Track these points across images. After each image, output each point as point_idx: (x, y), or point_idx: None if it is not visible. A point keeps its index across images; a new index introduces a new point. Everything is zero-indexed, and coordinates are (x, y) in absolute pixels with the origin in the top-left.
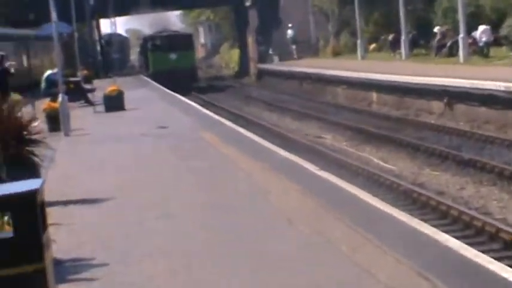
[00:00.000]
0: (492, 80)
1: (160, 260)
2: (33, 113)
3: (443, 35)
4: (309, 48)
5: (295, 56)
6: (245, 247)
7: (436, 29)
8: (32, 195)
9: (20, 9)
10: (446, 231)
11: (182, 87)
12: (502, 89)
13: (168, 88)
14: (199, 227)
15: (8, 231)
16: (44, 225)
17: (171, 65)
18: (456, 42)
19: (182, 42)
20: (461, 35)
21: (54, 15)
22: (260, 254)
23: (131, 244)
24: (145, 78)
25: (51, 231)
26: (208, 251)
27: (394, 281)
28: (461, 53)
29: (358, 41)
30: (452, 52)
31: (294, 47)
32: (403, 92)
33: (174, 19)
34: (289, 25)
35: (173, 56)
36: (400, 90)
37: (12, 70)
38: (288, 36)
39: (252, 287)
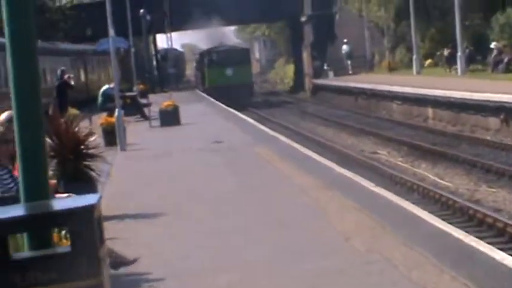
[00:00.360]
0: None
1: (217, 275)
2: (90, 127)
3: (500, 51)
4: (364, 64)
5: (350, 71)
6: (301, 264)
7: (492, 45)
8: (89, 210)
9: (78, 25)
10: (502, 249)
11: (239, 102)
12: None
13: (225, 103)
14: (255, 243)
15: (65, 246)
16: (101, 240)
17: (228, 80)
18: None
19: (239, 57)
20: None
21: (111, 30)
22: (317, 271)
23: (187, 259)
24: (201, 93)
25: (108, 245)
26: (265, 268)
27: None
28: None
29: (414, 57)
30: (509, 68)
31: (349, 62)
32: (459, 108)
33: (229, 34)
34: (344, 40)
35: (230, 71)
36: (456, 106)
37: (72, 82)
38: (343, 52)
39: None
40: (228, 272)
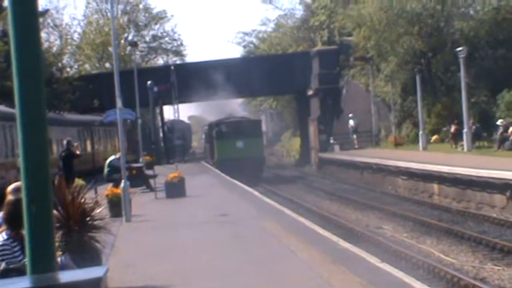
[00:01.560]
0: None
1: None
2: (96, 198)
3: (506, 128)
4: (370, 138)
5: (356, 146)
6: None
7: (498, 122)
8: (96, 283)
9: (85, 96)
10: None
11: (249, 177)
12: None
13: (234, 178)
14: None
15: None
16: None
17: (238, 154)
18: None
19: (250, 129)
20: None
21: (119, 101)
22: None
23: None
24: (207, 164)
25: None
26: None
27: None
28: None
29: (420, 132)
30: None
31: (355, 136)
32: (464, 184)
33: (236, 106)
34: (350, 115)
35: (240, 143)
36: (461, 183)
37: (78, 152)
38: (350, 126)
39: None
40: None
